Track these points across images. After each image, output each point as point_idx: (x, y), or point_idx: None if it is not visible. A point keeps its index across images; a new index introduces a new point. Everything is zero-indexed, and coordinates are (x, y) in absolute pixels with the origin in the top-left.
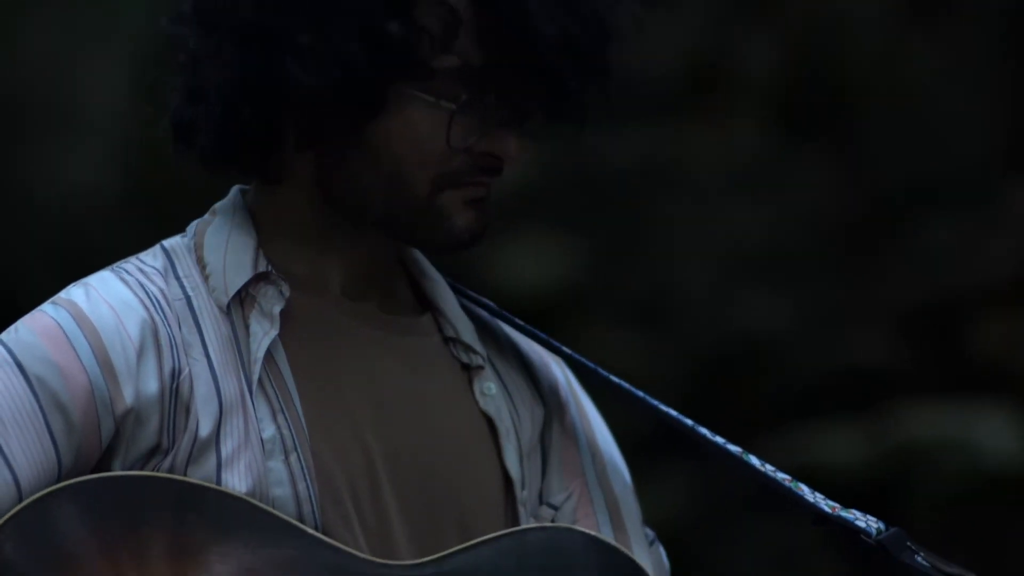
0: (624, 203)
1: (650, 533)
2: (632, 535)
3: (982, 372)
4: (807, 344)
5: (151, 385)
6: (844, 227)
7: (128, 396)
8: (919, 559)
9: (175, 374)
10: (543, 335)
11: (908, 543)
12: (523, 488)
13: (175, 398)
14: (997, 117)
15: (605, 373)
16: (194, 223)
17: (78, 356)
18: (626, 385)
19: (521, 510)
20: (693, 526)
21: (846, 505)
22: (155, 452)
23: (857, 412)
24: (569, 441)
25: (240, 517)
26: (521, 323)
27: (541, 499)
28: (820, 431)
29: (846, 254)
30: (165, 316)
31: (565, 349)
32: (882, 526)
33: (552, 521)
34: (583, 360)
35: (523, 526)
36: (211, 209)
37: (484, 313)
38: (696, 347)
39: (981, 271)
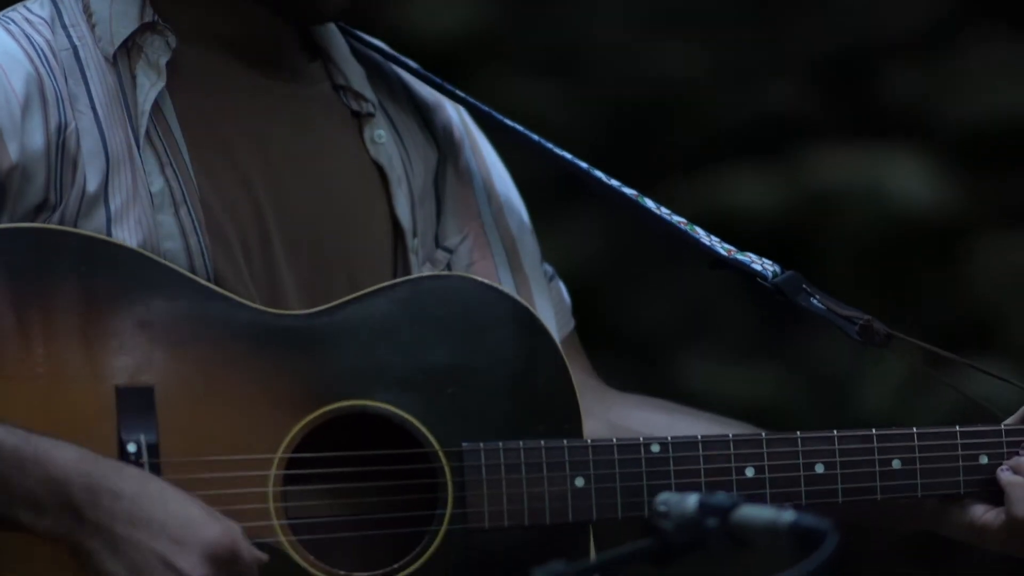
0: None
1: (549, 269)
2: (530, 273)
3: (894, 119)
4: (721, 91)
5: (36, 140)
6: None
7: (13, 152)
8: (815, 301)
9: (61, 128)
10: (437, 79)
11: (804, 286)
12: (414, 236)
13: (62, 153)
14: None
15: (499, 117)
16: None
17: None
18: (520, 128)
19: (412, 258)
20: (597, 275)
21: (754, 250)
22: (43, 208)
23: (769, 159)
24: (464, 183)
25: (134, 270)
26: (414, 66)
27: (437, 243)
28: (732, 178)
29: (760, 1)
30: (51, 69)
31: (459, 93)
32: (778, 269)
33: (448, 264)
34: (478, 104)
35: (415, 275)
36: None
37: (377, 56)
38: (610, 95)
39: (895, 18)
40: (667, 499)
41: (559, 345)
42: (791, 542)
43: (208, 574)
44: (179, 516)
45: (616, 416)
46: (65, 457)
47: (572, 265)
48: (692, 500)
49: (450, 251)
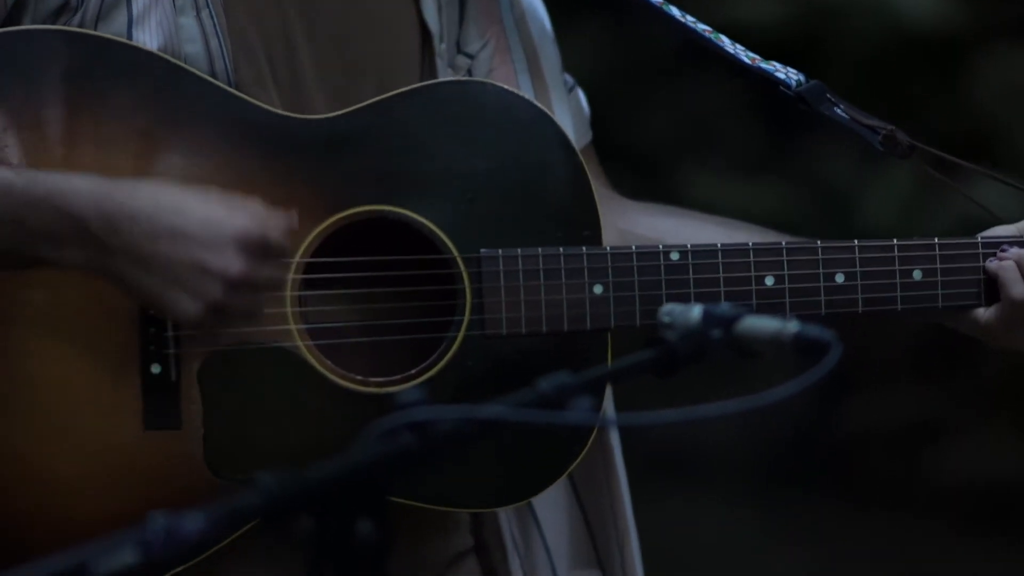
0: None
1: (569, 79)
2: (550, 81)
3: None
4: None
5: None
6: None
7: None
8: (838, 110)
9: None
10: None
11: (828, 95)
12: (441, 41)
13: None
14: None
15: None
16: None
17: None
18: None
19: (439, 63)
20: (602, 89)
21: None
22: (64, 10)
23: None
24: None
25: (152, 73)
26: None
27: (458, 48)
28: None
29: None
30: None
31: None
32: (802, 78)
33: (468, 70)
34: None
35: (437, 79)
36: None
37: None
38: None
39: None
40: (671, 310)
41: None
42: (795, 353)
43: (244, 267)
44: (200, 218)
45: (626, 223)
46: (77, 189)
47: (577, 79)
48: (696, 311)
49: (471, 57)
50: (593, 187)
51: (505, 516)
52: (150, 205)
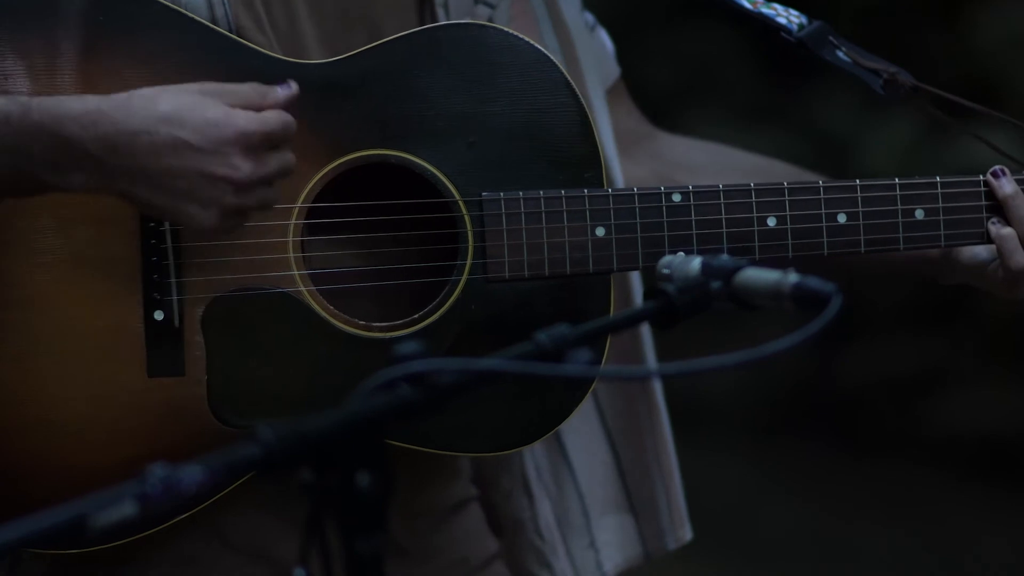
0: None
1: (590, 19)
2: (571, 24)
3: None
4: None
5: None
6: None
7: None
8: (840, 54)
9: None
10: None
11: (830, 38)
12: None
13: None
14: None
15: None
16: None
17: None
18: None
19: (440, 12)
20: (611, 33)
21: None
22: None
23: None
24: None
25: (154, 20)
26: None
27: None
28: None
29: None
30: None
31: None
32: (804, 21)
33: (489, 19)
34: None
35: (436, 23)
36: None
37: None
38: None
39: None
40: (670, 261)
41: (603, 92)
42: (795, 305)
43: (251, 167)
44: (200, 125)
45: (668, 154)
46: (71, 113)
47: None
48: (696, 262)
49: (492, 6)
50: (625, 124)
51: (532, 463)
52: (147, 119)
